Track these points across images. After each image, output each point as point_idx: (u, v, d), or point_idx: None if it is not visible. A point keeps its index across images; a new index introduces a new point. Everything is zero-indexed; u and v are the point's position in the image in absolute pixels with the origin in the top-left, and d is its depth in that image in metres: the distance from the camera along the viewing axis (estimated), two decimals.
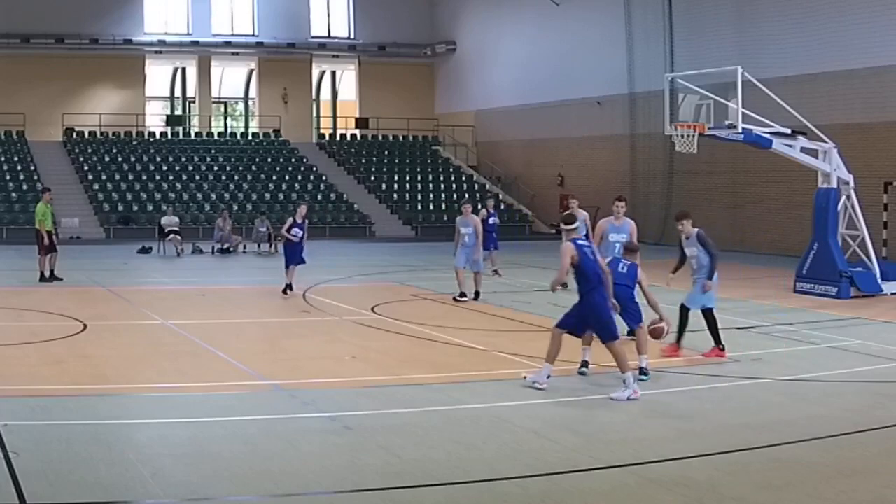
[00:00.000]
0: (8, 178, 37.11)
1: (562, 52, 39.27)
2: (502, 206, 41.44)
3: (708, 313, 12.76)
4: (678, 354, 12.76)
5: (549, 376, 10.80)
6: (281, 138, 44.79)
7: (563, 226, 11.77)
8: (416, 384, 11.14)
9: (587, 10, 38.34)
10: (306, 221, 19.74)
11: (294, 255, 18.94)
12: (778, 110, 20.06)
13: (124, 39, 42.86)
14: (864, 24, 26.97)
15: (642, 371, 11.33)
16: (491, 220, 22.55)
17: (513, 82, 42.38)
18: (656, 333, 11.97)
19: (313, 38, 46.30)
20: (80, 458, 7.94)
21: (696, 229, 12.89)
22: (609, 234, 13.59)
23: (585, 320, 10.93)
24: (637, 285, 11.86)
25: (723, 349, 12.81)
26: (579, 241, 11.04)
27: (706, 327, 12.81)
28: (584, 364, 11.63)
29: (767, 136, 19.73)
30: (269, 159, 42.52)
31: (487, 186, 42.73)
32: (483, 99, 44.76)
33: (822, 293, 19.52)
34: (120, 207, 36.36)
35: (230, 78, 47.85)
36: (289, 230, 19.05)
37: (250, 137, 45.58)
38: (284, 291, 18.69)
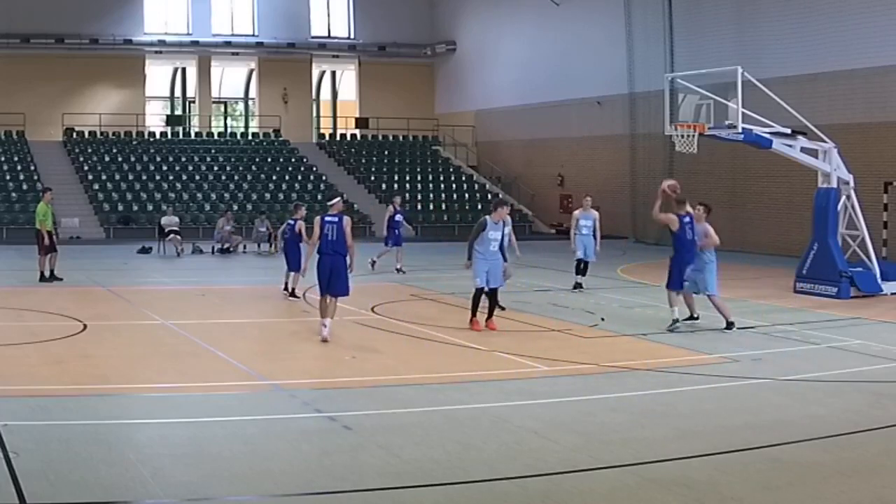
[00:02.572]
0: (8, 178, 37.07)
1: (562, 52, 39.26)
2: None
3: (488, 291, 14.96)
4: (492, 327, 14.77)
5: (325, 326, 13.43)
6: (281, 138, 44.77)
7: (329, 202, 14.04)
8: (416, 384, 11.14)
9: (587, 10, 38.34)
10: None
11: (299, 259, 17.72)
12: (778, 110, 20.05)
13: (124, 39, 42.84)
14: (864, 24, 26.96)
15: None
16: (397, 217, 23.71)
17: (513, 82, 42.36)
18: None
19: (313, 38, 46.29)
20: (80, 458, 7.93)
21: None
22: None
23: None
24: None
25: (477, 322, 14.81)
26: (327, 217, 13.34)
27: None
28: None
29: (767, 136, 19.71)
30: (269, 159, 42.50)
31: (487, 186, 42.74)
32: (483, 99, 44.75)
33: (822, 293, 19.51)
34: (120, 207, 36.34)
35: (230, 78, 47.82)
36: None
37: (250, 137, 45.54)
38: (294, 294, 18.15)
